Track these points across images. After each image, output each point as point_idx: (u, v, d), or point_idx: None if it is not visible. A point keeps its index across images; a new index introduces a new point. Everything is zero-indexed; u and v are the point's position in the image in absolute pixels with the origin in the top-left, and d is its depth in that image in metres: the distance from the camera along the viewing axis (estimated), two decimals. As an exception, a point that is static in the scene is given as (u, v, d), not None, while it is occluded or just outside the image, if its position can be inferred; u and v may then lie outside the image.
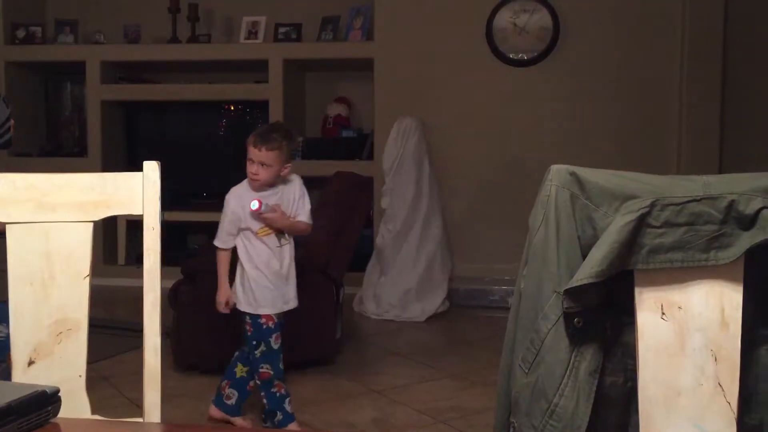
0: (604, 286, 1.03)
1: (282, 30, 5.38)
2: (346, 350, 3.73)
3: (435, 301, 4.54)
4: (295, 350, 3.38)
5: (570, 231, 1.04)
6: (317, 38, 5.37)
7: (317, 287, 3.41)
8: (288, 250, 2.67)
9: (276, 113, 5.31)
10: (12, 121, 3.00)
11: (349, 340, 3.90)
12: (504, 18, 5.01)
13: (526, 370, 1.07)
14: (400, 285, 4.47)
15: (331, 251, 3.47)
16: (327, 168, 4.87)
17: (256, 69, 5.38)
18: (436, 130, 5.12)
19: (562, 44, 4.98)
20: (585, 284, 1.01)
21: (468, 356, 3.70)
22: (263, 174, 2.52)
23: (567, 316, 1.04)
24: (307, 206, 2.70)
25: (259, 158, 2.51)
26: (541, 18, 4.97)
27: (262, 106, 5.43)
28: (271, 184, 2.59)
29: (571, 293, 1.03)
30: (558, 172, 1.06)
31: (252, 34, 5.41)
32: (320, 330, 3.44)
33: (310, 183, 5.54)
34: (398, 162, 4.60)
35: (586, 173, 1.06)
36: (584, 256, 1.04)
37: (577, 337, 1.04)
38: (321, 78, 5.72)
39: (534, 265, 1.08)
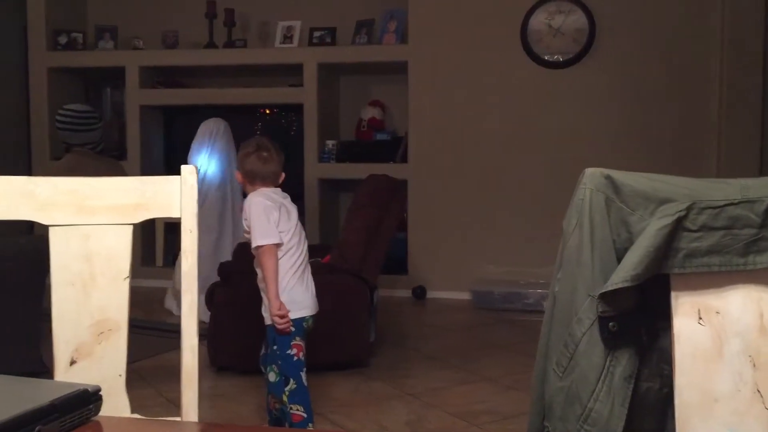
0: (639, 290, 1.02)
1: (317, 34, 5.43)
2: (380, 353, 3.73)
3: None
4: (329, 352, 3.41)
5: (604, 234, 1.04)
6: (351, 42, 5.40)
7: (351, 290, 3.43)
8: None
9: (310, 117, 5.36)
10: (102, 123, 3.48)
11: (383, 343, 3.91)
12: (539, 19, 4.98)
13: (560, 374, 1.06)
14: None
15: (365, 254, 3.49)
16: (361, 171, 4.89)
17: (291, 73, 5.43)
18: (470, 133, 5.11)
19: (598, 46, 4.93)
20: (620, 288, 1.00)
21: (503, 360, 3.68)
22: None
23: (602, 321, 1.03)
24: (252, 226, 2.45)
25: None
26: (577, 19, 4.93)
27: (297, 109, 5.48)
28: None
29: (606, 297, 1.02)
30: (592, 175, 1.06)
31: (287, 38, 5.46)
32: (353, 333, 3.45)
33: (343, 185, 5.62)
34: (208, 163, 4.55)
35: (620, 176, 1.05)
36: (619, 260, 1.03)
37: (612, 341, 1.04)
38: (355, 81, 5.75)
39: (568, 269, 1.07)
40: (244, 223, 2.48)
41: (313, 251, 4.03)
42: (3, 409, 0.76)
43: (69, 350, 1.29)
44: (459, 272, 5.12)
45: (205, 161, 4.48)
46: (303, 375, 2.48)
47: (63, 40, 5.73)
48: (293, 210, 2.56)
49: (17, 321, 2.89)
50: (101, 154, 3.99)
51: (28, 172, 5.80)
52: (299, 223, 2.57)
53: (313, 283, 2.55)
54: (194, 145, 4.57)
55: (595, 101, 4.95)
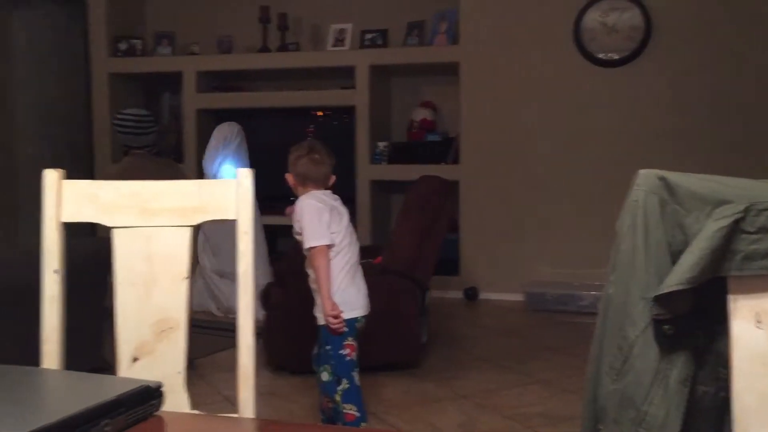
0: (694, 293, 1.00)
1: (368, 36, 5.46)
2: (431, 354, 3.74)
3: None
4: (380, 353, 3.43)
5: (659, 237, 1.02)
6: (403, 43, 5.42)
7: (402, 291, 3.44)
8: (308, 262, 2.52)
9: (362, 118, 5.39)
10: (158, 126, 3.65)
11: (435, 344, 3.91)
12: (593, 17, 4.91)
13: (614, 377, 1.06)
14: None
15: (416, 255, 3.49)
16: (412, 172, 4.90)
17: (343, 75, 5.48)
18: (523, 133, 5.07)
19: (654, 43, 4.83)
20: (675, 291, 0.99)
21: (557, 362, 3.64)
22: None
23: (656, 323, 1.02)
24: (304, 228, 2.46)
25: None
26: (632, 16, 4.84)
27: (349, 111, 5.53)
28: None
29: (661, 300, 1.01)
30: (646, 176, 1.05)
31: (339, 41, 5.51)
32: (405, 334, 3.46)
33: (395, 187, 5.63)
34: (220, 167, 4.62)
35: (675, 178, 1.04)
36: (674, 263, 1.02)
37: (666, 344, 1.02)
38: (407, 82, 5.77)
39: (622, 271, 1.07)
40: (296, 225, 2.51)
41: (365, 252, 4.06)
42: (72, 403, 0.80)
43: (131, 348, 1.33)
44: (511, 273, 5.08)
45: (217, 165, 4.60)
46: (356, 375, 2.51)
47: (123, 46, 5.90)
48: (344, 212, 2.57)
49: (81, 320, 2.99)
50: (157, 156, 4.12)
51: (90, 175, 6.00)
52: (350, 225, 2.59)
53: (365, 284, 2.57)
54: (208, 150, 4.65)
55: (651, 100, 4.85)
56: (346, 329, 2.47)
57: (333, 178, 2.59)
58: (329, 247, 2.45)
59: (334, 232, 2.47)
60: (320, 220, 2.45)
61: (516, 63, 5.05)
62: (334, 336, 2.47)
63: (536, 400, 3.12)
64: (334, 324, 2.43)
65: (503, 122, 5.10)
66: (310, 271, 2.53)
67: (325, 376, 2.53)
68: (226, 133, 4.68)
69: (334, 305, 2.43)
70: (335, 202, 2.56)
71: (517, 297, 5.02)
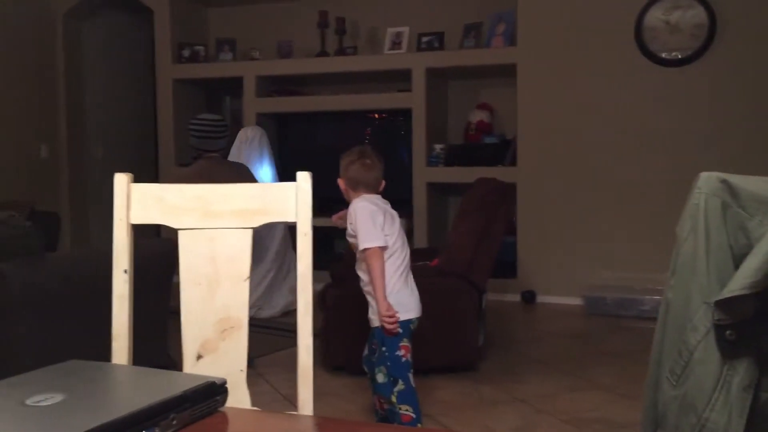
0: (757, 297, 0.98)
1: (425, 39, 5.47)
2: (488, 357, 3.72)
3: (286, 298, 4.56)
4: (437, 355, 3.43)
5: (720, 241, 1.01)
6: (459, 46, 5.41)
7: (459, 293, 3.44)
8: (363, 266, 2.54)
9: (419, 121, 5.41)
10: (229, 132, 3.89)
11: (492, 347, 3.89)
12: (655, 16, 4.81)
13: (674, 383, 1.04)
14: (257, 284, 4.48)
15: (473, 257, 3.49)
16: (469, 174, 4.89)
17: (400, 78, 5.51)
18: (581, 134, 5.00)
19: (719, 42, 4.69)
20: (737, 296, 0.97)
21: (617, 368, 3.58)
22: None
23: (718, 328, 1.00)
24: (356, 232, 2.51)
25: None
26: (696, 14, 4.72)
27: (406, 114, 5.55)
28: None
29: (723, 305, 0.99)
30: (708, 179, 1.03)
31: (396, 44, 5.54)
32: (462, 336, 3.46)
33: (452, 189, 5.63)
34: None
35: (738, 180, 1.02)
36: (737, 267, 1.00)
37: (729, 350, 1.00)
38: (463, 85, 5.76)
39: (682, 276, 1.05)
40: (349, 227, 2.55)
41: (422, 254, 4.08)
42: (141, 397, 0.84)
43: (196, 346, 1.38)
44: (570, 277, 5.01)
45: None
46: (410, 376, 2.52)
47: (186, 53, 6.06)
48: (396, 216, 2.60)
49: (147, 318, 3.09)
50: (227, 160, 4.25)
51: (155, 178, 6.18)
52: (402, 229, 2.62)
53: (415, 286, 2.58)
54: (231, 151, 4.76)
55: (715, 100, 4.72)
56: (400, 331, 2.49)
57: (383, 183, 2.63)
58: (383, 249, 2.47)
59: (387, 235, 2.50)
60: (374, 222, 2.48)
61: (575, 63, 4.98)
62: (390, 338, 2.49)
63: (595, 405, 3.08)
64: (390, 325, 2.45)
65: (561, 124, 5.04)
66: (361, 274, 2.56)
67: (380, 378, 2.55)
68: (248, 135, 4.82)
69: (389, 306, 2.44)
70: (386, 206, 2.60)
71: (576, 301, 4.95)
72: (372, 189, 2.59)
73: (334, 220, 2.71)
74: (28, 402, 0.80)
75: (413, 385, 2.53)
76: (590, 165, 4.98)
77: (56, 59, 6.27)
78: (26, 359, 2.57)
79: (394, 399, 2.50)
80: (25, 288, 2.58)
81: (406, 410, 2.50)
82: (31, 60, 6.03)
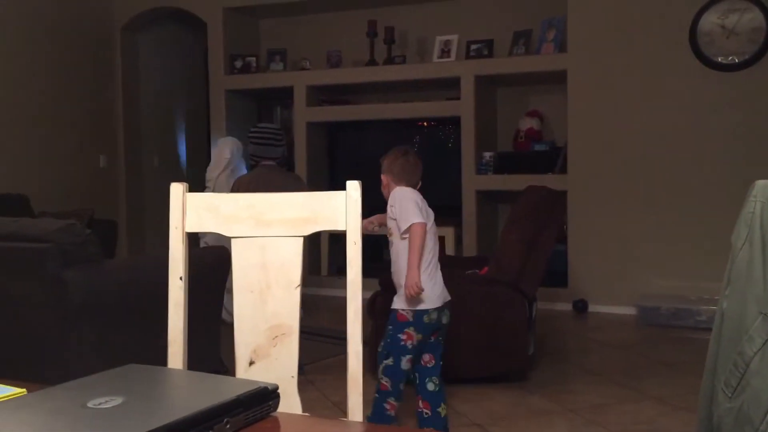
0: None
1: (474, 47, 5.46)
2: (539, 367, 3.68)
3: None
4: (486, 365, 3.41)
5: (777, 250, 0.98)
6: (509, 53, 5.38)
7: (508, 302, 3.42)
8: (395, 246, 2.66)
9: (468, 129, 5.40)
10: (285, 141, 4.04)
11: (543, 357, 3.85)
12: (710, 20, 4.70)
13: (730, 395, 1.02)
14: None
15: (523, 266, 3.46)
16: (519, 182, 4.86)
17: (449, 86, 5.51)
18: (634, 141, 4.92)
19: (779, 44, 4.56)
20: (795, 306, 0.95)
21: (671, 379, 3.50)
22: None
23: (775, 340, 0.98)
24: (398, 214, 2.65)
25: None
26: (753, 18, 4.60)
27: (455, 122, 5.54)
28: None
29: (781, 316, 0.97)
30: (764, 187, 1.01)
31: (445, 52, 5.55)
32: (511, 345, 3.43)
33: (501, 197, 5.59)
34: (217, 179, 4.68)
35: (796, 188, 0.99)
36: (795, 277, 0.98)
37: (787, 362, 0.98)
38: (513, 92, 5.72)
39: (738, 285, 1.03)
40: (390, 211, 2.66)
41: (471, 263, 4.06)
42: (197, 401, 0.86)
43: (248, 351, 1.41)
44: (623, 286, 4.92)
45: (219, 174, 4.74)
46: (404, 361, 2.59)
47: (239, 64, 6.18)
48: (431, 213, 2.71)
49: (201, 324, 3.16)
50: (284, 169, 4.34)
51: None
52: (435, 226, 2.72)
53: (441, 280, 2.67)
54: (219, 160, 4.81)
55: (775, 104, 4.59)
56: (421, 292, 2.53)
57: (419, 183, 2.77)
58: (424, 227, 2.55)
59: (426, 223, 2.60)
60: (417, 205, 2.61)
61: (627, 69, 4.91)
62: (400, 322, 2.58)
63: (649, 417, 3.01)
64: (412, 290, 2.51)
65: (613, 130, 4.97)
66: (394, 257, 2.64)
67: (430, 386, 2.67)
68: (231, 147, 4.84)
69: (419, 275, 2.51)
70: (424, 203, 2.71)
71: (629, 310, 4.86)
72: (414, 185, 2.73)
73: (365, 225, 2.76)
74: (90, 404, 0.83)
75: (404, 369, 2.59)
76: (643, 172, 4.89)
77: (114, 72, 6.47)
78: (86, 362, 2.65)
79: (381, 369, 2.61)
80: (86, 294, 2.67)
81: (386, 381, 2.60)
82: (91, 73, 6.24)
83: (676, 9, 4.78)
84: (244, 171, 4.80)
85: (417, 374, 2.68)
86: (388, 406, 2.63)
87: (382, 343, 2.66)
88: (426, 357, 2.67)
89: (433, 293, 2.60)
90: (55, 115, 5.91)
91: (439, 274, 2.66)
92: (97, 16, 6.31)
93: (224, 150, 4.85)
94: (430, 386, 2.67)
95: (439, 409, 2.68)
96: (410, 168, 2.73)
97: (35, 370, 2.64)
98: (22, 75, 5.67)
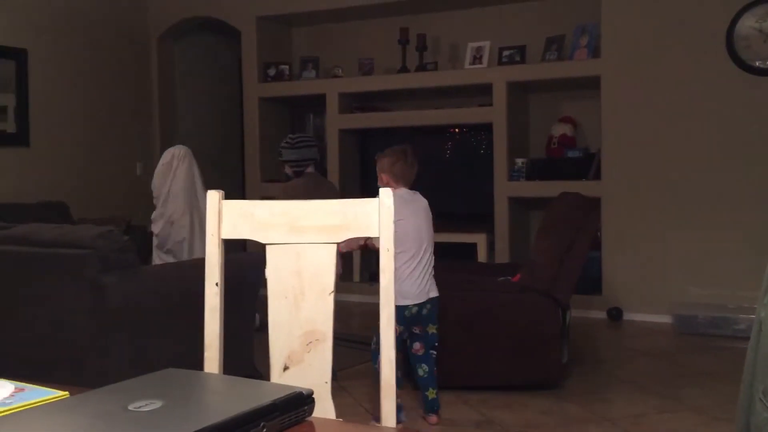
0: None
1: (506, 53, 5.45)
2: (573, 375, 3.65)
3: None
4: (519, 372, 3.39)
5: (818, 258, 0.97)
6: (541, 59, 5.36)
7: (541, 309, 3.39)
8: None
9: (500, 135, 5.38)
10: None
11: (578, 365, 3.81)
12: (747, 24, 4.63)
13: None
14: None
15: (556, 273, 3.43)
16: (552, 188, 4.82)
17: (481, 92, 5.50)
18: (669, 147, 4.85)
19: (819, 47, 4.47)
20: (836, 315, 0.93)
21: (710, 389, 3.44)
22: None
23: (816, 349, 0.96)
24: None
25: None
26: (792, 20, 4.51)
27: (487, 128, 5.53)
28: None
29: (821, 325, 0.95)
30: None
31: (477, 59, 5.54)
32: (545, 353, 3.40)
33: (534, 203, 5.56)
34: (168, 190, 4.31)
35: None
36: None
37: (828, 372, 0.96)
38: (545, 98, 5.69)
39: (777, 293, 1.01)
40: None
41: (503, 270, 4.05)
42: (234, 405, 0.88)
43: (282, 357, 1.42)
44: (658, 294, 4.85)
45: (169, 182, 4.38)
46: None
47: (272, 72, 6.25)
48: (422, 206, 2.97)
49: (235, 329, 3.20)
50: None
51: (242, 193, 6.38)
52: (427, 224, 2.96)
53: (425, 279, 2.91)
54: (156, 172, 4.46)
55: (816, 108, 4.49)
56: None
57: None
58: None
59: (401, 219, 2.71)
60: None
61: (662, 74, 4.85)
62: None
63: (687, 427, 2.96)
64: (342, 247, 2.76)
65: (647, 136, 4.91)
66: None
67: (420, 372, 3.03)
68: (174, 153, 4.44)
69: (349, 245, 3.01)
70: (414, 196, 3.00)
71: (665, 319, 4.79)
72: (409, 184, 3.01)
73: (340, 249, 2.87)
74: (131, 407, 0.85)
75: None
76: (678, 177, 4.83)
77: (151, 81, 6.58)
78: (122, 366, 2.69)
79: (379, 364, 2.71)
80: (123, 299, 2.72)
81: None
82: (129, 82, 6.36)
83: (712, 13, 4.71)
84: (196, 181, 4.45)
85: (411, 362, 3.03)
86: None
87: (374, 339, 2.90)
88: (416, 345, 2.99)
89: (411, 291, 2.85)
90: (93, 124, 6.03)
91: (422, 274, 2.90)
92: (134, 27, 6.44)
93: (165, 156, 4.45)
94: (420, 372, 2.99)
95: (427, 393, 3.00)
96: (410, 170, 3.00)
97: (73, 374, 2.69)
98: (62, 85, 5.80)
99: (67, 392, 1.05)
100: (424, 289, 2.91)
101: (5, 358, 2.76)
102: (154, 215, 4.42)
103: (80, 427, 0.84)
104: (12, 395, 1.04)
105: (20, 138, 5.52)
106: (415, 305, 2.88)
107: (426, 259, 2.93)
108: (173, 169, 4.34)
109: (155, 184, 4.40)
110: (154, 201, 4.40)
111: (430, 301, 2.93)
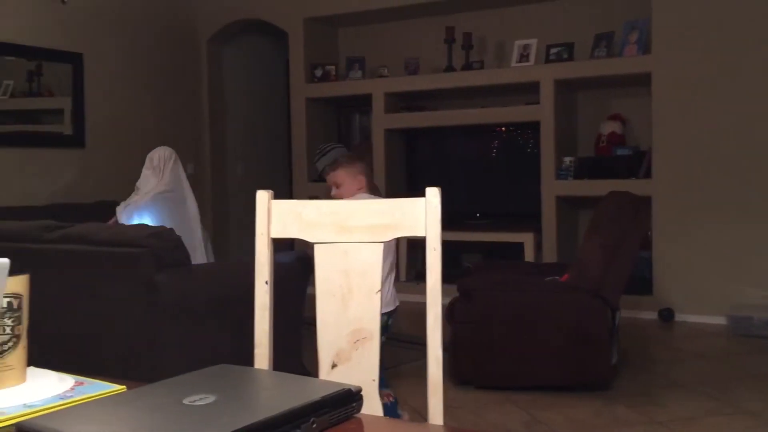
0: None
1: (553, 50, 5.39)
2: (623, 376, 3.59)
3: None
4: (568, 373, 3.36)
5: None
6: (590, 56, 5.28)
7: (590, 310, 3.35)
8: None
9: (547, 134, 5.32)
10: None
11: (627, 367, 3.75)
12: (805, 16, 4.49)
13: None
14: None
15: (605, 273, 3.39)
16: (600, 187, 4.76)
17: (528, 91, 5.45)
18: (723, 144, 4.74)
19: None
20: None
21: (764, 392, 3.35)
22: (342, 192, 2.94)
23: None
24: None
25: (333, 180, 2.96)
26: None
27: (534, 127, 5.48)
28: None
29: None
30: None
31: (523, 57, 5.49)
32: (594, 354, 3.36)
33: (582, 203, 5.49)
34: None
35: None
36: None
37: None
38: (594, 96, 5.61)
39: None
40: None
41: (551, 270, 4.01)
42: (284, 401, 0.90)
43: (330, 355, 1.44)
44: (712, 294, 4.74)
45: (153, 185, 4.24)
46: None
47: (318, 72, 6.31)
48: None
49: (284, 327, 3.24)
50: None
51: (290, 193, 6.46)
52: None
53: (392, 287, 2.90)
54: (142, 176, 4.33)
55: None
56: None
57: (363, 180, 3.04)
58: None
59: None
60: None
61: (716, 69, 4.73)
62: None
63: (739, 431, 2.89)
64: None
65: (701, 133, 4.80)
66: None
67: None
68: (160, 155, 4.31)
69: None
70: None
71: (719, 320, 4.68)
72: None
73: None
74: (185, 401, 0.88)
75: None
76: (733, 175, 4.71)
77: (201, 83, 6.71)
78: (173, 362, 2.76)
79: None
80: (175, 296, 2.79)
81: (386, 395, 2.73)
82: (180, 85, 6.49)
83: (766, 5, 4.59)
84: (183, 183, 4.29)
85: None
86: (384, 398, 2.75)
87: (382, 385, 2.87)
88: None
89: (386, 298, 2.81)
90: (145, 125, 6.18)
91: (392, 280, 2.90)
92: (184, 30, 6.57)
93: (151, 159, 4.32)
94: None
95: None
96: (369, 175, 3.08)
97: (127, 368, 2.77)
98: (116, 88, 5.96)
99: (124, 386, 1.09)
100: (393, 297, 2.88)
101: (65, 353, 2.86)
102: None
103: (139, 420, 0.87)
104: (72, 389, 1.08)
105: (76, 140, 5.69)
106: (384, 314, 2.81)
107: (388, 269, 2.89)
108: (160, 171, 4.25)
109: (139, 188, 4.27)
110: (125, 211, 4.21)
111: (390, 313, 2.89)
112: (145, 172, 4.29)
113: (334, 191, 3.12)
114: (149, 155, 4.33)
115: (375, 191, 4.09)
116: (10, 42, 5.25)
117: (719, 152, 4.75)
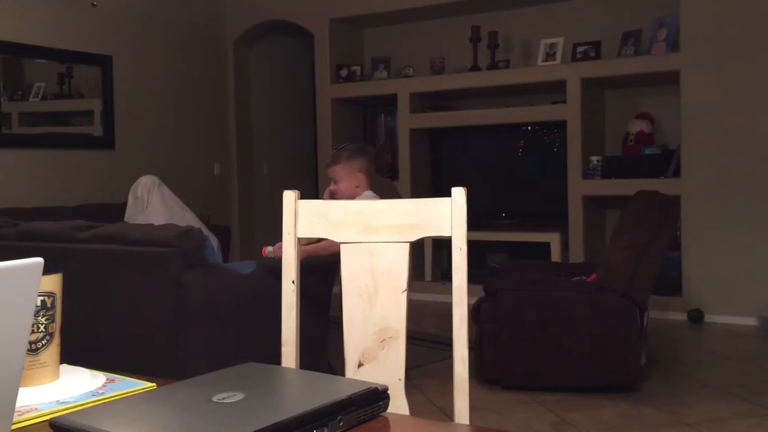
0: None
1: (580, 49, 5.35)
2: (651, 378, 3.56)
3: None
4: (596, 374, 3.33)
5: None
6: (617, 54, 5.24)
7: (618, 310, 3.32)
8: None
9: (574, 133, 5.29)
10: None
11: (656, 368, 3.72)
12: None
13: None
14: None
15: (633, 273, 3.36)
16: (628, 187, 4.71)
17: (554, 90, 5.42)
18: (752, 143, 4.66)
19: None
20: None
21: (796, 395, 3.29)
22: (340, 188, 2.93)
23: None
24: None
25: (331, 175, 2.93)
26: None
27: (560, 126, 5.45)
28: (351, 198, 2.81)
29: None
30: None
31: (550, 55, 5.46)
32: (622, 355, 3.33)
33: (610, 202, 5.44)
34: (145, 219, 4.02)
35: None
36: None
37: None
38: (621, 94, 5.56)
39: None
40: None
41: (578, 270, 3.98)
42: (311, 399, 0.91)
43: (357, 354, 1.45)
44: (742, 295, 4.67)
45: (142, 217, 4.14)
46: None
47: (344, 73, 6.32)
48: None
49: (310, 326, 3.26)
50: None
51: (315, 193, 6.49)
52: None
53: None
54: (128, 207, 4.28)
55: None
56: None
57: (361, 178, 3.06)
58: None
59: None
60: None
61: (747, 67, 4.66)
62: None
63: (772, 434, 2.85)
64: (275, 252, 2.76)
65: (731, 132, 4.73)
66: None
67: None
68: (141, 184, 4.25)
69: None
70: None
71: (750, 321, 4.61)
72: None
73: (275, 251, 2.92)
74: (214, 399, 0.89)
75: None
76: (762, 175, 4.63)
77: (227, 83, 6.77)
78: (200, 360, 2.79)
79: None
80: (203, 295, 2.82)
81: None
82: (207, 85, 6.56)
83: (800, 2, 4.51)
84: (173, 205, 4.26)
85: None
86: None
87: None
88: None
89: None
90: (173, 126, 6.25)
91: None
92: (211, 32, 6.63)
93: (134, 191, 4.25)
94: None
95: None
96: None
97: (156, 366, 2.81)
98: (145, 89, 6.04)
99: (154, 383, 1.10)
100: None
101: (96, 351, 2.91)
102: None
103: (169, 417, 0.88)
104: (104, 386, 1.10)
105: (106, 141, 5.77)
106: None
107: None
108: (145, 201, 4.21)
109: (128, 220, 4.20)
110: None
111: None
112: (130, 203, 4.23)
113: (332, 186, 3.12)
114: (132, 188, 4.27)
115: (385, 189, 4.09)
116: (42, 45, 5.34)
117: (749, 151, 4.68)
